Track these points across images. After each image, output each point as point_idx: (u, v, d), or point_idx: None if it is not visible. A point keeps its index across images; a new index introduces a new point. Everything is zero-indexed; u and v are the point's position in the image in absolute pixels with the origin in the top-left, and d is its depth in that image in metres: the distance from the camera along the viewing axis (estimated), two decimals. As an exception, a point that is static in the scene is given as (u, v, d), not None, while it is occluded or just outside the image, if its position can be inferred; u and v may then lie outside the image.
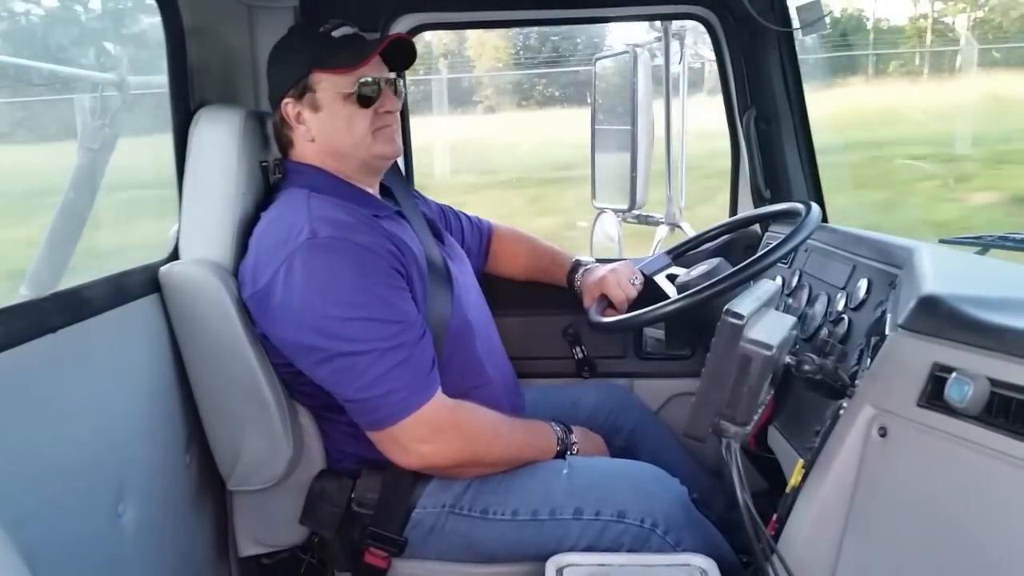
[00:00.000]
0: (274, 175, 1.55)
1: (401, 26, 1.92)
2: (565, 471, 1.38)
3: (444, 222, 1.76)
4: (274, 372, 1.37)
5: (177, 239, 1.42)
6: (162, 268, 1.35)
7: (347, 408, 1.31)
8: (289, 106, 1.41)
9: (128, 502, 1.18)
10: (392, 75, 1.44)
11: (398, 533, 1.36)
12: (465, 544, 1.36)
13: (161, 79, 1.48)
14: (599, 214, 2.94)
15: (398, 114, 1.44)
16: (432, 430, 1.29)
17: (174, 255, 1.41)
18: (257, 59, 1.74)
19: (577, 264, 1.79)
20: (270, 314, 1.29)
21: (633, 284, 1.66)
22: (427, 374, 1.29)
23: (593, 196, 2.82)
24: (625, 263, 1.72)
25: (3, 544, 0.68)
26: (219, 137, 1.40)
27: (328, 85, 1.38)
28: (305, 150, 1.43)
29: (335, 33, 1.40)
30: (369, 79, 1.38)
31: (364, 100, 1.38)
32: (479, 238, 1.84)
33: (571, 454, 1.45)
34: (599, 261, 1.79)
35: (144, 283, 1.33)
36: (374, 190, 1.49)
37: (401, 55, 1.47)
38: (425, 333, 1.31)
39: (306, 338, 1.26)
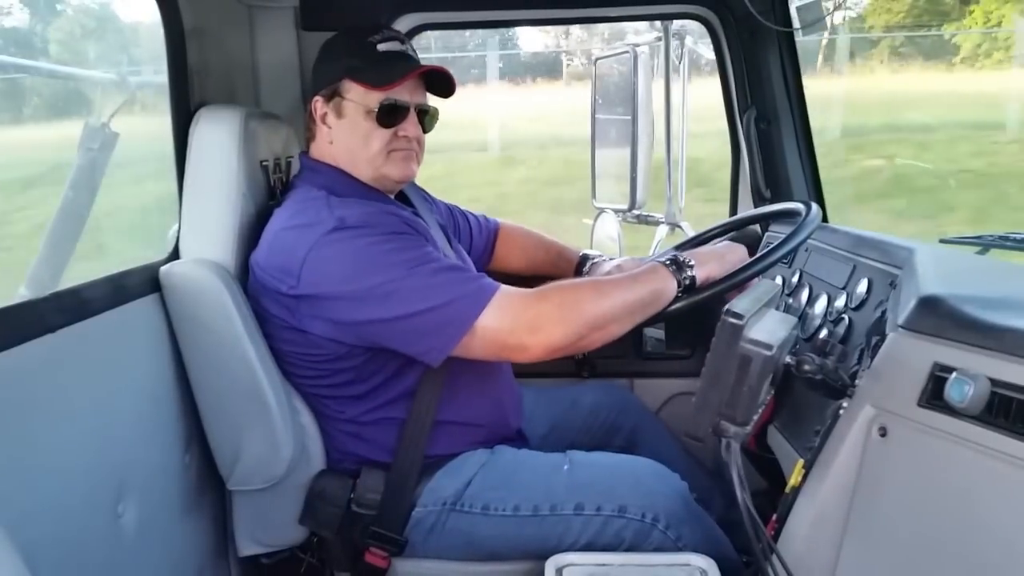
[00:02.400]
0: (275, 174, 1.55)
1: (401, 26, 1.92)
2: (566, 467, 1.39)
3: (452, 222, 1.76)
4: (275, 372, 1.37)
5: (177, 239, 1.42)
6: (162, 268, 1.35)
7: (424, 339, 1.23)
8: (319, 104, 1.42)
9: (128, 502, 1.18)
10: (425, 101, 1.43)
11: (399, 532, 1.36)
12: (466, 542, 1.36)
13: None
14: (599, 214, 2.94)
15: (421, 141, 1.43)
16: (521, 318, 1.21)
17: (174, 255, 1.41)
18: (257, 59, 1.73)
19: (585, 258, 1.79)
20: (307, 308, 1.28)
21: None
22: (481, 277, 1.26)
23: (593, 196, 2.81)
24: (631, 258, 1.72)
25: (3, 544, 0.68)
26: (219, 137, 1.40)
27: (355, 96, 1.38)
28: (325, 150, 1.44)
29: (380, 46, 1.39)
30: (395, 101, 1.37)
31: (384, 120, 1.38)
32: (486, 236, 1.84)
33: (689, 272, 1.31)
34: None
35: (144, 283, 1.33)
36: (392, 195, 1.49)
37: (444, 82, 1.45)
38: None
39: (353, 301, 1.24)
